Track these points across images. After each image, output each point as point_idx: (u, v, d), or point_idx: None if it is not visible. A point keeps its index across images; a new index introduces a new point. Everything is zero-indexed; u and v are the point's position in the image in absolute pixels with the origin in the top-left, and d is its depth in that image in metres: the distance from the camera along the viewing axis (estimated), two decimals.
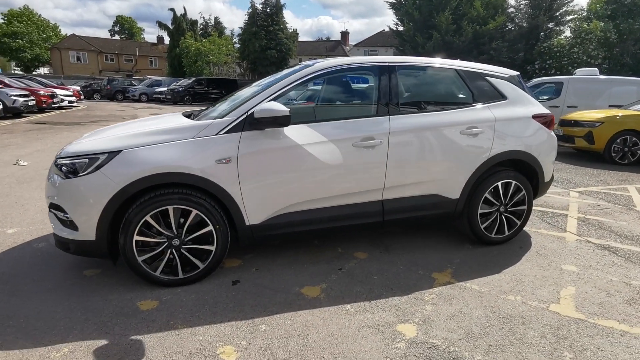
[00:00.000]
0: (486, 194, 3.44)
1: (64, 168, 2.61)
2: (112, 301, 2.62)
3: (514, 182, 3.51)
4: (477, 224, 3.49)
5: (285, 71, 3.34)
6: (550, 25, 22.74)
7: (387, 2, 23.85)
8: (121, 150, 2.59)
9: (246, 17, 30.02)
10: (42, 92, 17.21)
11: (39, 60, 51.57)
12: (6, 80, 17.37)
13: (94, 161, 2.57)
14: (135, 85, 29.18)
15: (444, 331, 2.36)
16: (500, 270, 3.16)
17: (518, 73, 3.77)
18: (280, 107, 2.67)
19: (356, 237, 3.75)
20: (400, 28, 23.40)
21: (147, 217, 2.61)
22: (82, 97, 24.72)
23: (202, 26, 34.93)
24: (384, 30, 26.57)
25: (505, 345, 2.24)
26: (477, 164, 3.34)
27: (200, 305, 2.59)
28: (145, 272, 2.70)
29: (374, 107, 3.12)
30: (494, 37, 21.02)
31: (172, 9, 31.63)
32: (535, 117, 3.56)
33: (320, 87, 3.55)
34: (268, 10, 29.63)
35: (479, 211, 3.46)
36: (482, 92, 3.46)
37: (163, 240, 2.70)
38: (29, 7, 52.34)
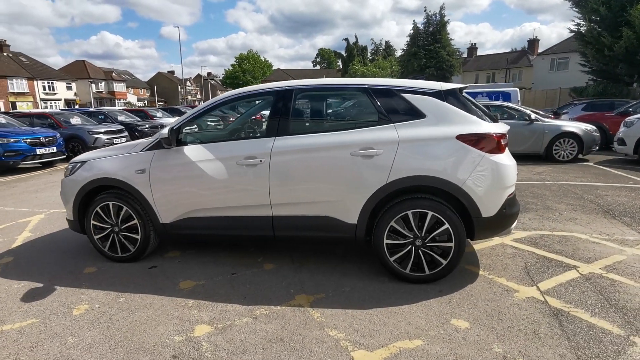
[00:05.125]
0: (392, 223, 3.11)
1: (65, 171, 4.00)
2: (77, 263, 3.81)
3: (430, 213, 3.03)
4: (384, 256, 3.18)
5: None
6: None
7: (568, 0, 19.99)
8: (87, 161, 3.79)
9: (408, 38, 30.59)
10: (231, 119, 22.29)
11: None
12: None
13: (75, 167, 3.85)
14: None
15: (224, 341, 2.50)
16: (372, 308, 2.85)
17: (457, 87, 3.21)
18: (164, 131, 3.34)
19: (289, 250, 3.93)
20: (583, 28, 19.14)
21: (97, 209, 3.70)
22: (263, 120, 30.55)
23: (372, 51, 37.31)
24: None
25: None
26: (374, 189, 3.08)
27: (112, 276, 3.48)
28: (99, 247, 3.80)
29: (265, 129, 3.37)
30: None
31: (346, 39, 35.41)
32: (460, 137, 2.99)
33: (232, 110, 3.91)
34: (430, 29, 29.32)
35: (385, 241, 3.15)
36: (395, 110, 3.16)
37: (108, 226, 3.74)
38: (252, 50, 67.94)
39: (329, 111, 3.59)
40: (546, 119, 9.54)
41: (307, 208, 3.27)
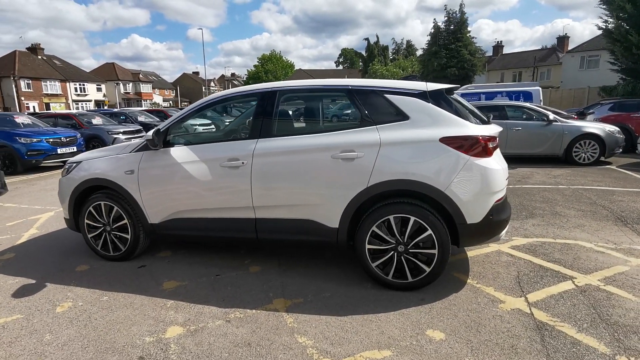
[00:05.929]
0: (374, 228, 3.02)
1: (62, 171, 4.12)
2: (72, 261, 3.91)
3: (413, 218, 2.93)
4: (366, 261, 3.10)
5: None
6: None
7: None
8: (82, 161, 3.88)
9: (428, 37, 29.99)
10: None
11: None
12: None
13: (71, 167, 3.95)
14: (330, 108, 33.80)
15: (192, 343, 2.50)
16: (348, 315, 2.78)
17: (444, 87, 3.08)
18: (149, 133, 3.37)
19: (278, 253, 3.90)
20: (611, 26, 18.18)
21: (90, 208, 3.79)
22: None
23: (394, 50, 36.88)
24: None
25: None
26: (355, 193, 3.01)
27: (101, 275, 3.56)
28: (92, 246, 3.90)
29: (249, 131, 3.35)
30: None
31: (366, 39, 35.20)
32: (444, 140, 2.87)
33: (217, 113, 3.92)
34: (452, 27, 28.61)
35: (367, 246, 3.07)
36: (378, 112, 3.07)
37: (100, 226, 3.82)
38: (275, 50, 68.80)
39: (312, 113, 3.53)
40: (566, 120, 9.12)
41: (289, 211, 3.23)
